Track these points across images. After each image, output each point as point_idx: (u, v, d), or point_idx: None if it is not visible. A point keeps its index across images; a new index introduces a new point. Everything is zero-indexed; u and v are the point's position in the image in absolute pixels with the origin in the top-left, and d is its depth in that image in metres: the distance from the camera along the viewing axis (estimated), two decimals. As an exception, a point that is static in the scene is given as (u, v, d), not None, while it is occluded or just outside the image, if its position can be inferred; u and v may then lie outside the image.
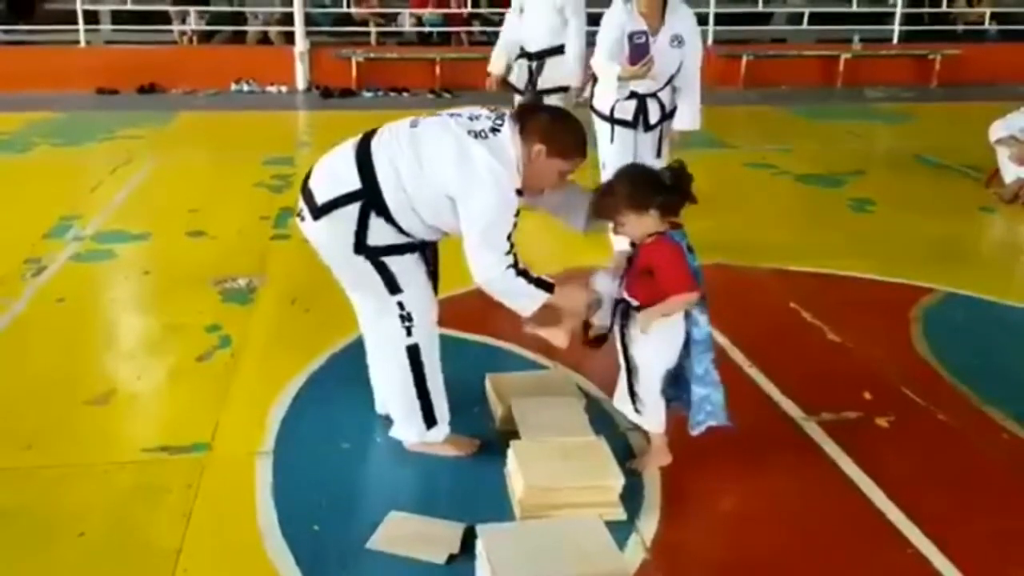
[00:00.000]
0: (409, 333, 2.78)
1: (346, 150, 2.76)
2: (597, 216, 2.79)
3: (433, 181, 2.62)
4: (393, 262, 2.72)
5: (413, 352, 2.80)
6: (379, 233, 2.68)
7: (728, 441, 2.94)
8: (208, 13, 11.36)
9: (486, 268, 2.62)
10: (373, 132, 2.77)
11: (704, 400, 2.73)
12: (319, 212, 2.72)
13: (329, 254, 2.81)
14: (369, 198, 2.65)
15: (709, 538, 2.61)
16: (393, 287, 2.74)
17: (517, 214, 2.63)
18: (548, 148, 2.63)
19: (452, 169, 2.59)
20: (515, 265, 2.63)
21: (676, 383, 2.81)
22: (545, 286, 2.68)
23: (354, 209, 2.66)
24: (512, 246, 2.63)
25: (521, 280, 2.64)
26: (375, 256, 2.70)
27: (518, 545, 2.35)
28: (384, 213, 2.66)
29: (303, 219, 2.80)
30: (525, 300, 2.68)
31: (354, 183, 2.67)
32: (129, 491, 2.76)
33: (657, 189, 2.64)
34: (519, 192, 2.63)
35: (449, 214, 2.65)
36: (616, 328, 2.78)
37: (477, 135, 2.61)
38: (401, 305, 2.75)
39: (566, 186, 2.82)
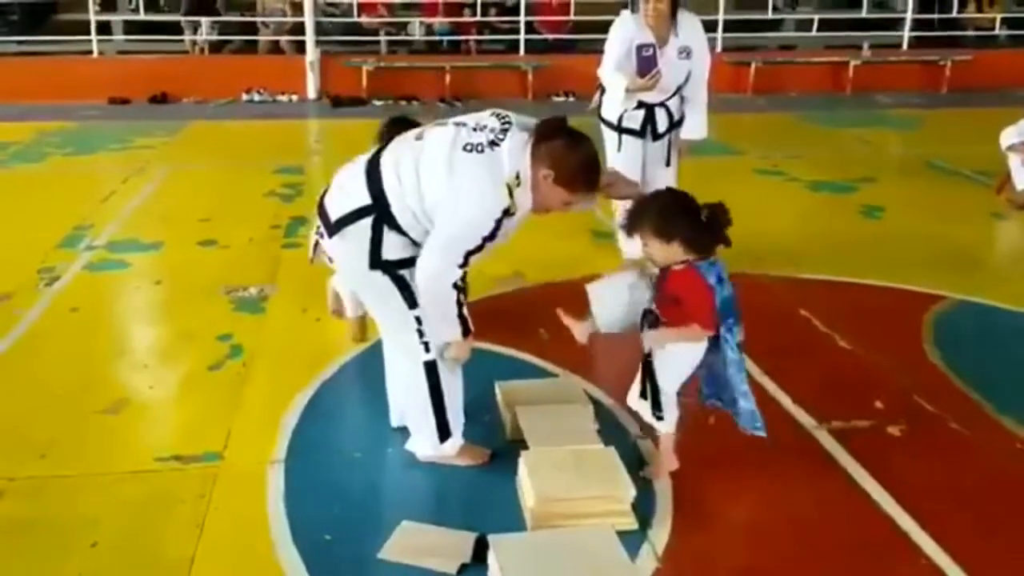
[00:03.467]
0: (427, 349, 2.76)
1: (357, 165, 2.76)
2: (627, 232, 2.74)
3: (427, 193, 2.59)
4: (410, 274, 2.70)
5: (431, 368, 2.78)
6: (394, 247, 2.66)
7: (739, 450, 2.93)
8: (219, 23, 11.43)
9: (432, 272, 2.60)
10: (385, 147, 2.77)
11: (752, 415, 2.76)
12: (333, 229, 2.72)
13: (347, 270, 2.82)
14: (380, 212, 2.64)
15: (721, 548, 2.60)
16: (412, 301, 2.72)
17: (492, 238, 2.58)
18: (556, 175, 2.58)
19: (442, 180, 2.57)
20: (458, 285, 2.62)
21: (714, 383, 2.81)
22: (465, 325, 2.69)
23: (367, 224, 2.66)
24: (466, 263, 2.61)
25: (454, 306, 2.64)
26: (392, 270, 2.68)
27: (529, 555, 2.35)
28: (396, 227, 2.65)
29: (322, 236, 2.81)
30: (444, 324, 2.69)
31: (364, 198, 2.66)
32: (142, 500, 2.77)
33: (687, 222, 2.59)
34: (508, 213, 2.57)
35: None
36: (644, 329, 2.74)
37: (473, 148, 2.57)
38: (419, 320, 2.73)
39: None
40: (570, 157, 2.59)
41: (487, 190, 2.54)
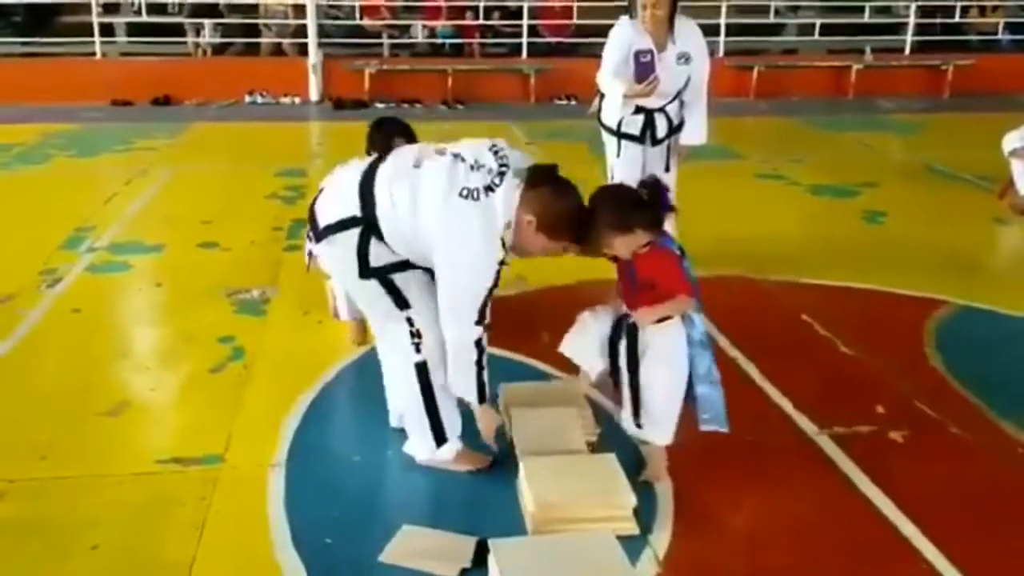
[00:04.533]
0: (418, 350, 2.77)
1: (353, 174, 2.74)
2: (585, 251, 2.75)
3: (423, 228, 2.61)
4: (400, 278, 2.72)
5: (421, 369, 2.79)
6: (381, 255, 2.67)
7: (740, 455, 2.93)
8: (222, 25, 11.45)
9: (454, 338, 2.68)
10: (382, 159, 2.75)
11: (706, 399, 2.72)
12: (320, 235, 2.73)
13: (337, 275, 2.82)
14: (367, 226, 2.66)
15: (722, 553, 2.60)
16: (402, 303, 2.74)
17: (496, 285, 2.63)
18: (538, 222, 2.59)
19: (438, 226, 2.58)
20: (481, 344, 2.67)
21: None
22: (481, 392, 2.74)
23: (354, 234, 2.67)
24: (483, 317, 2.64)
25: (474, 367, 2.69)
26: (381, 275, 2.70)
27: (530, 560, 2.35)
28: (383, 239, 2.66)
29: (310, 239, 2.82)
30: (465, 383, 2.73)
31: (353, 209, 2.67)
32: (142, 503, 2.78)
33: (638, 208, 2.63)
34: (503, 263, 2.61)
35: None
36: (622, 348, 2.75)
37: (469, 194, 2.56)
38: (410, 321, 2.75)
39: None
40: (554, 205, 2.60)
41: (483, 246, 2.58)
